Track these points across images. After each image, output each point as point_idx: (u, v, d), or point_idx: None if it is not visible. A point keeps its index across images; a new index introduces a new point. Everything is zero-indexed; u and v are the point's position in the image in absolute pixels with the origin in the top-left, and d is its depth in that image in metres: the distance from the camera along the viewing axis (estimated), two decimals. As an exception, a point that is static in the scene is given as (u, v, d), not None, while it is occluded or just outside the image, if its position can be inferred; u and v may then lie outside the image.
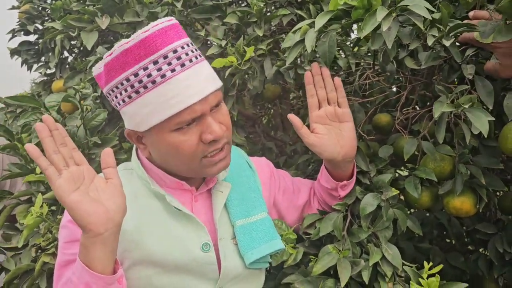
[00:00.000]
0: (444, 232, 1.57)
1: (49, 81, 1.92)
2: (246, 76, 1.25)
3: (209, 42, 1.41)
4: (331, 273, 1.03)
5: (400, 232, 1.12)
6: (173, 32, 0.88)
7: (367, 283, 0.99)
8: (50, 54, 1.80)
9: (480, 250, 1.42)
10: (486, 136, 0.90)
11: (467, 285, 0.95)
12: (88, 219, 0.76)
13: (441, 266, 0.94)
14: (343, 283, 0.96)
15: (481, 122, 0.89)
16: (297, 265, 1.10)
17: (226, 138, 0.93)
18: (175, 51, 0.86)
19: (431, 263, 0.94)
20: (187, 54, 0.88)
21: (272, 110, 2.09)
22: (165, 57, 0.86)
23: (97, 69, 0.94)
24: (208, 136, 0.89)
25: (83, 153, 1.43)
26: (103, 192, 0.80)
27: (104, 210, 0.78)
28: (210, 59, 1.25)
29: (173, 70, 0.86)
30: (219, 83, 0.92)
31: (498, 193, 1.40)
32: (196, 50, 0.91)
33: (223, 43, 1.20)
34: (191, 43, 0.91)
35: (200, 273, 0.95)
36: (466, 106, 0.91)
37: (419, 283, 0.92)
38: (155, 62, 0.85)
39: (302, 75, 1.18)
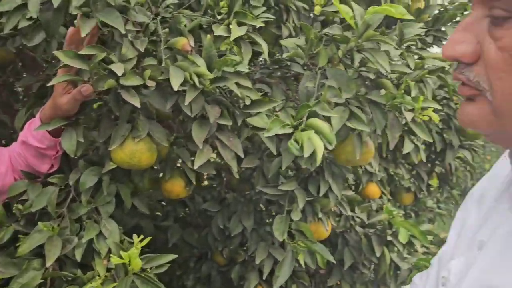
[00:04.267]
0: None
1: None
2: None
3: None
4: (44, 253, 1.03)
5: (126, 211, 1.20)
6: None
7: (79, 260, 1.02)
8: None
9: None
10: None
11: (174, 256, 1.07)
12: None
13: (149, 238, 1.03)
14: (49, 262, 0.97)
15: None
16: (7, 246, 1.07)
17: None
18: None
19: (141, 236, 1.03)
20: None
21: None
22: None
23: None
24: None
25: None
26: None
27: None
28: None
29: None
30: None
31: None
32: None
33: None
34: None
35: None
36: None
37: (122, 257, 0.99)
38: None
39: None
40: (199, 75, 0.96)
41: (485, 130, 0.52)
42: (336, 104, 1.02)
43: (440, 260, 0.76)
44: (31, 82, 1.30)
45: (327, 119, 0.97)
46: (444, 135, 1.60)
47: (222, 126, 1.05)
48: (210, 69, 0.98)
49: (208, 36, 1.01)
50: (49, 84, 0.97)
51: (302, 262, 1.07)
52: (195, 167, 1.03)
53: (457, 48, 0.50)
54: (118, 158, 1.05)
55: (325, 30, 1.01)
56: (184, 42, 0.97)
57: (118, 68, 0.93)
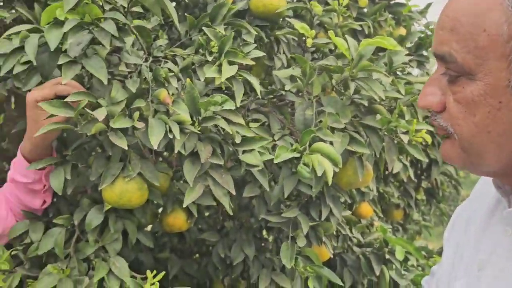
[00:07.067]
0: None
1: None
2: None
3: None
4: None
5: (131, 246, 1.21)
6: None
7: (91, 300, 1.03)
8: None
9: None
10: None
11: (187, 288, 1.09)
12: None
13: (162, 273, 1.06)
14: (62, 304, 0.98)
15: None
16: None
17: None
18: None
19: (154, 272, 1.05)
20: None
21: (3, 115, 1.92)
22: None
23: None
24: None
25: None
26: None
27: None
28: None
29: None
30: None
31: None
32: None
33: None
34: None
35: None
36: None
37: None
38: None
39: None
40: (179, 123, 0.99)
41: (458, 164, 0.63)
42: (334, 130, 1.08)
43: (438, 282, 0.81)
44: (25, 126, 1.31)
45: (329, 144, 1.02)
46: (429, 151, 1.68)
47: (214, 163, 1.07)
48: (195, 111, 1.01)
49: (188, 79, 1.04)
50: (35, 135, 0.97)
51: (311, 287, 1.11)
52: (184, 205, 1.04)
53: (427, 100, 0.61)
54: (108, 198, 1.05)
55: (322, 62, 1.07)
56: (165, 95, 1.00)
57: (100, 114, 0.94)
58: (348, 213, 1.45)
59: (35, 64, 1.00)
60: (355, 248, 1.54)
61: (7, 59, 1.01)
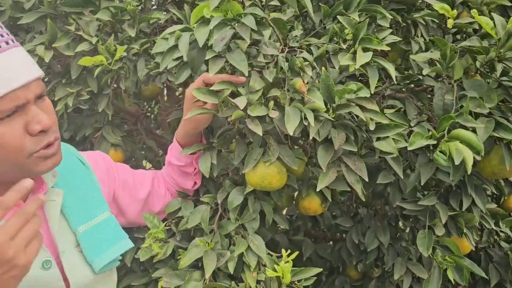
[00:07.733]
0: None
1: None
2: (120, 75, 1.32)
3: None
4: (200, 265, 1.16)
5: (268, 226, 1.29)
6: None
7: (232, 273, 1.13)
8: None
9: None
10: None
11: (320, 269, 1.13)
12: None
13: (296, 253, 1.11)
14: (207, 274, 1.09)
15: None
16: (169, 259, 1.22)
17: (55, 132, 0.89)
18: None
19: (289, 251, 1.11)
20: (1, 36, 0.83)
21: (157, 105, 2.17)
22: None
23: None
24: (36, 126, 0.84)
25: None
26: None
27: None
28: (81, 55, 1.31)
29: None
30: (41, 72, 0.88)
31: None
32: (9, 34, 0.86)
33: (94, 40, 1.26)
34: (1, 26, 0.86)
35: None
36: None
37: (276, 270, 1.08)
38: None
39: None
40: (314, 110, 1.01)
41: None
42: (477, 116, 1.01)
43: None
44: (179, 116, 1.47)
45: (471, 131, 0.96)
46: None
47: (348, 150, 1.07)
48: (330, 99, 1.02)
49: (323, 68, 1.05)
50: (185, 118, 1.10)
51: (451, 278, 1.06)
52: (318, 189, 1.06)
53: None
54: (251, 181, 1.13)
55: (464, 43, 1.01)
56: (301, 84, 1.03)
57: (240, 102, 1.01)
58: (493, 205, 1.34)
59: (185, 60, 1.12)
60: (503, 244, 1.43)
61: (164, 57, 1.14)
